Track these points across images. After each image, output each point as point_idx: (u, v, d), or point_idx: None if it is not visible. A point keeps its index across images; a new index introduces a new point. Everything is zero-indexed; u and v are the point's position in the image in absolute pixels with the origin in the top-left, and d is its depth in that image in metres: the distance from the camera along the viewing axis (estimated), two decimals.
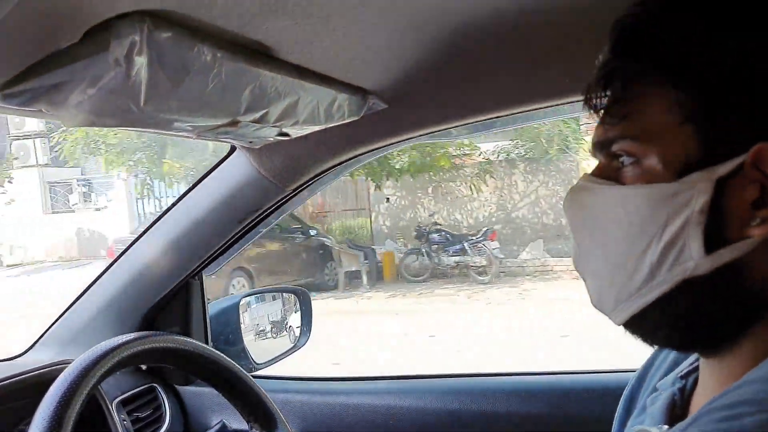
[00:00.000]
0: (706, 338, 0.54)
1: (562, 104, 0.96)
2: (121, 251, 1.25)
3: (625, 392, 0.72)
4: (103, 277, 1.26)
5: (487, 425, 1.21)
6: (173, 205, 1.21)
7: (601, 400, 1.15)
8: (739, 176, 0.49)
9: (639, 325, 0.55)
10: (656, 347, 0.60)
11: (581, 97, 0.92)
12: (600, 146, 0.57)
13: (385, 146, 1.08)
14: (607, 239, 0.55)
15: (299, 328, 1.53)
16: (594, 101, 0.57)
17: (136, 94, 0.64)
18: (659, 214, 0.51)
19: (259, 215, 1.20)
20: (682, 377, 0.61)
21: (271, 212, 1.21)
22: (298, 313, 1.54)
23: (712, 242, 0.50)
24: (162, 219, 1.22)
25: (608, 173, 0.55)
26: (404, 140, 1.07)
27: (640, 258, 0.52)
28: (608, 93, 0.56)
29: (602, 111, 0.56)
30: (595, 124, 0.58)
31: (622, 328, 0.56)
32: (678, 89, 0.51)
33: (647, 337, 0.56)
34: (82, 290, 1.27)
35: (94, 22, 0.57)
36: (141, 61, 0.60)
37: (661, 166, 0.51)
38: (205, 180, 1.18)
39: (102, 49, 0.59)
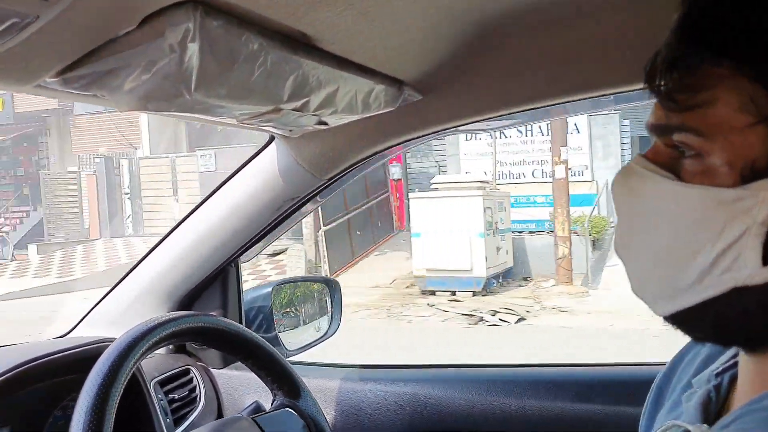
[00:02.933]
0: (751, 339, 0.52)
1: (596, 97, 0.96)
2: (163, 236, 1.29)
3: (654, 386, 0.71)
4: (146, 260, 1.30)
5: (512, 416, 1.22)
6: (213, 192, 1.25)
7: (627, 392, 1.16)
8: None
9: (681, 320, 0.53)
10: (695, 341, 0.58)
11: (615, 90, 0.95)
12: (659, 130, 0.53)
13: (419, 137, 1.10)
14: (656, 232, 0.52)
15: (330, 317, 1.56)
16: (658, 85, 0.52)
17: (187, 80, 0.67)
18: (717, 219, 0.48)
19: (295, 203, 1.23)
20: (717, 374, 0.60)
21: (307, 201, 1.24)
22: (329, 302, 1.57)
23: None
24: (203, 206, 1.26)
25: (665, 160, 0.52)
26: (438, 131, 1.09)
27: (690, 259, 0.50)
28: (674, 76, 0.51)
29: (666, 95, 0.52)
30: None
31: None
32: (756, 85, 0.46)
33: (689, 332, 0.55)
34: (125, 272, 1.32)
35: (151, 10, 0.60)
36: (194, 48, 0.63)
37: (726, 168, 0.48)
38: (244, 169, 1.22)
39: (157, 36, 0.62)
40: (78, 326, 1.33)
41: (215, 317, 1.02)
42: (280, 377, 1.08)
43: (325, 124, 0.94)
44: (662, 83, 0.51)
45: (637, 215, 0.54)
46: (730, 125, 0.47)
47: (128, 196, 16.47)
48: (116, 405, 0.80)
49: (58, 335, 1.29)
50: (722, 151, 0.48)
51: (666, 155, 0.53)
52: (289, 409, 1.07)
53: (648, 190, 0.53)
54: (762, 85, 0.46)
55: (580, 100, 0.98)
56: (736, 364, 0.58)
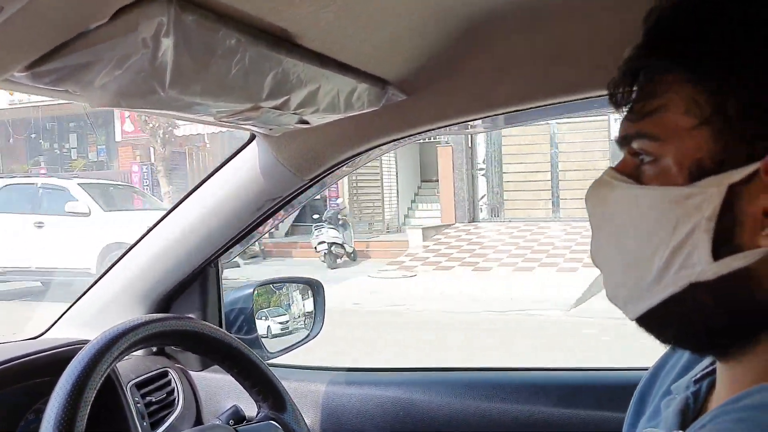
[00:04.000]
0: (714, 343, 0.53)
1: (584, 99, 0.95)
2: (140, 236, 1.27)
3: (636, 392, 0.72)
4: (122, 260, 1.28)
5: (496, 420, 1.21)
6: (193, 191, 1.23)
7: (610, 398, 1.15)
8: (753, 183, 0.48)
9: (649, 323, 0.55)
10: (668, 346, 0.59)
11: (603, 93, 0.93)
12: (622, 141, 0.56)
13: (403, 137, 1.08)
14: (621, 237, 0.55)
15: (313, 319, 1.54)
16: (618, 96, 0.56)
17: (161, 76, 0.65)
18: (669, 217, 0.51)
19: (277, 204, 1.21)
20: (696, 381, 0.61)
21: (288, 201, 1.22)
22: (313, 303, 1.55)
23: (720, 249, 0.49)
24: (182, 205, 1.23)
25: (629, 170, 0.55)
26: (422, 132, 1.07)
27: (649, 259, 0.52)
28: (634, 88, 0.55)
29: (626, 107, 0.56)
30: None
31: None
32: (698, 89, 0.50)
33: (658, 335, 0.56)
34: (101, 273, 1.29)
35: (123, 3, 0.58)
36: (167, 43, 0.61)
37: (676, 168, 0.51)
38: (224, 167, 1.19)
39: (130, 30, 0.60)
40: (52, 327, 1.30)
41: (195, 321, 1.00)
42: (266, 389, 1.05)
43: (307, 123, 0.92)
44: (624, 93, 0.56)
45: (606, 222, 0.57)
46: (678, 128, 0.51)
47: (483, 172, 13.42)
48: (88, 408, 0.78)
49: (31, 337, 1.26)
50: (672, 153, 0.51)
51: (631, 165, 0.55)
52: (273, 422, 1.04)
53: (613, 197, 0.56)
54: (703, 88, 0.49)
55: (567, 102, 0.96)
56: (714, 371, 0.59)
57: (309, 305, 1.56)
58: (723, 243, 0.49)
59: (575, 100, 0.95)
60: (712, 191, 0.49)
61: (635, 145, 0.54)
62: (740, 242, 0.49)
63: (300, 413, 1.08)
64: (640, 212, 0.53)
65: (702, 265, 0.50)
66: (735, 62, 0.48)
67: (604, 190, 0.57)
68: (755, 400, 0.46)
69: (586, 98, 0.94)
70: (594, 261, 0.59)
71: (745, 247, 0.49)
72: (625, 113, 0.56)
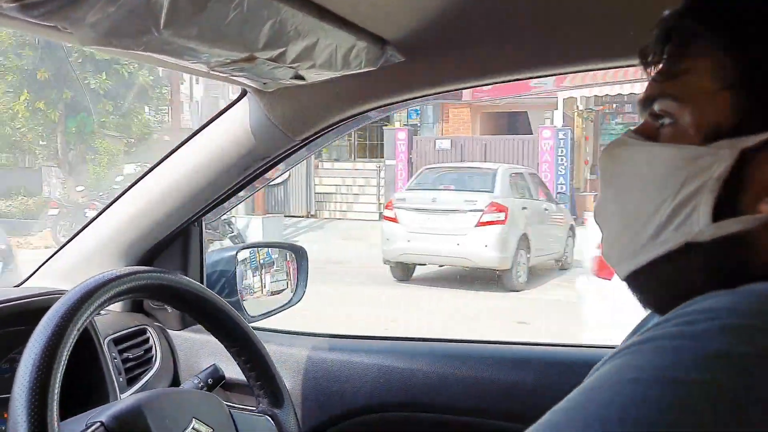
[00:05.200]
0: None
1: (586, 70, 0.94)
2: (125, 188, 1.24)
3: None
4: (105, 213, 1.25)
5: (475, 390, 1.21)
6: (179, 146, 1.20)
7: (587, 373, 1.16)
8: (765, 151, 0.48)
9: (638, 281, 0.56)
10: (647, 310, 0.60)
11: (606, 65, 0.92)
12: (643, 104, 0.56)
13: (399, 101, 1.06)
14: (627, 193, 0.55)
15: (295, 284, 1.53)
16: (650, 58, 0.56)
17: (156, 15, 0.63)
18: (678, 175, 0.51)
19: (265, 164, 1.19)
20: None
21: (277, 162, 1.20)
22: (295, 269, 1.54)
23: (722, 211, 0.50)
24: (167, 160, 1.21)
25: (648, 131, 0.56)
26: (418, 96, 1.05)
27: (651, 215, 0.53)
28: (662, 50, 0.55)
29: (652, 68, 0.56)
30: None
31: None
32: (727, 54, 0.50)
33: (642, 295, 0.57)
34: (84, 224, 1.27)
35: None
36: None
37: (693, 130, 0.51)
38: (213, 123, 1.17)
39: None
40: (30, 278, 1.27)
41: (187, 280, 0.97)
42: (268, 383, 1.04)
43: (302, 78, 0.90)
44: (653, 57, 0.56)
45: (615, 179, 0.57)
46: (700, 90, 0.51)
47: None
48: (65, 360, 0.76)
49: (12, 285, 1.24)
50: (691, 114, 0.51)
51: (650, 127, 0.56)
52: (269, 418, 1.03)
53: (626, 154, 0.56)
54: (732, 54, 0.50)
55: (568, 73, 0.95)
56: None
57: (292, 270, 1.55)
58: (726, 206, 0.50)
59: (576, 71, 0.94)
60: (724, 153, 0.49)
61: (657, 106, 0.54)
62: (742, 208, 0.49)
63: (295, 413, 1.06)
64: (650, 169, 0.53)
65: (700, 225, 0.50)
66: (762, 29, 0.49)
67: (619, 150, 0.57)
68: (689, 308, 0.46)
69: (589, 69, 0.93)
70: (596, 220, 0.60)
71: (746, 212, 0.49)
72: (650, 75, 0.56)
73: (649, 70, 0.57)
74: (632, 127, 0.58)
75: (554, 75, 0.97)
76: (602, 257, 0.59)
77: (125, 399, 0.83)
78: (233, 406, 0.99)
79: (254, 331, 1.06)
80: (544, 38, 0.94)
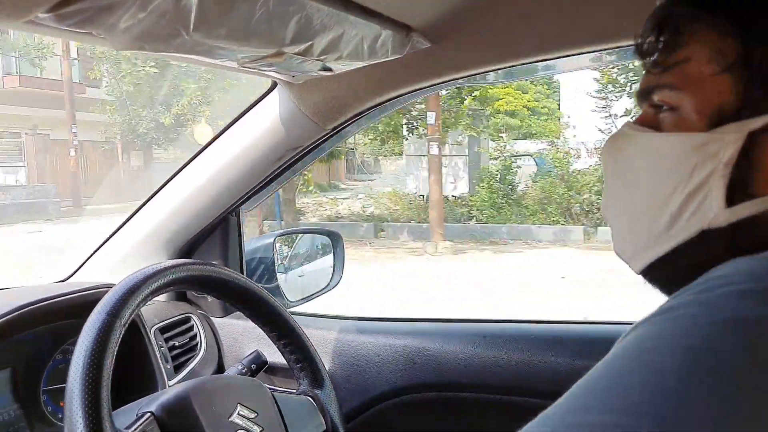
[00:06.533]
0: None
1: (613, 49, 0.93)
2: (163, 183, 1.27)
3: None
4: (146, 207, 1.29)
5: (510, 370, 1.22)
6: (214, 139, 1.23)
7: None
8: None
9: (656, 274, 0.55)
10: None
11: (633, 43, 0.91)
12: (642, 95, 0.56)
13: (427, 87, 1.06)
14: (634, 185, 0.55)
15: (333, 269, 1.55)
16: (645, 47, 0.55)
17: (185, 18, 0.64)
18: (687, 163, 0.50)
19: (297, 153, 1.21)
20: None
21: (309, 151, 1.22)
22: (332, 254, 1.56)
23: (734, 196, 0.49)
24: (203, 153, 1.24)
25: (648, 121, 0.55)
26: (446, 81, 1.05)
27: (662, 205, 0.52)
28: (661, 39, 0.54)
29: (652, 58, 0.55)
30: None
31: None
32: (723, 37, 0.50)
33: (663, 286, 0.56)
34: (125, 218, 1.31)
35: None
36: None
37: (696, 116, 0.51)
38: (245, 116, 1.19)
39: None
40: (78, 272, 1.32)
41: (227, 270, 1.00)
42: (308, 364, 1.07)
43: (330, 70, 0.91)
44: (650, 44, 0.55)
45: (621, 173, 0.57)
46: (700, 76, 0.51)
47: None
48: (116, 350, 0.79)
49: (59, 280, 1.29)
50: (693, 101, 0.51)
51: (650, 117, 0.55)
52: (310, 398, 1.06)
53: (630, 146, 0.55)
54: (728, 36, 0.49)
55: (597, 51, 0.94)
56: None
57: (329, 256, 1.58)
58: (737, 190, 0.49)
59: (606, 48, 0.93)
60: (730, 137, 0.49)
61: (656, 97, 0.54)
62: (754, 190, 0.49)
63: (334, 393, 1.09)
64: (657, 159, 0.53)
65: (714, 211, 0.50)
66: (763, 10, 0.49)
67: (621, 141, 0.57)
68: (707, 276, 0.46)
69: (618, 47, 0.92)
70: (604, 216, 0.59)
71: (760, 195, 0.49)
72: (647, 67, 0.55)
73: (644, 61, 0.56)
74: (630, 119, 0.58)
75: (584, 54, 0.96)
76: (615, 253, 0.58)
77: (172, 388, 0.86)
78: (275, 389, 1.02)
79: (293, 316, 1.09)
80: (572, 16, 0.93)
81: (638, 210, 0.54)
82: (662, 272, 0.55)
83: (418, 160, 13.11)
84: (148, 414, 0.80)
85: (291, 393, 1.06)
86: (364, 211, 13.12)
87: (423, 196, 12.58)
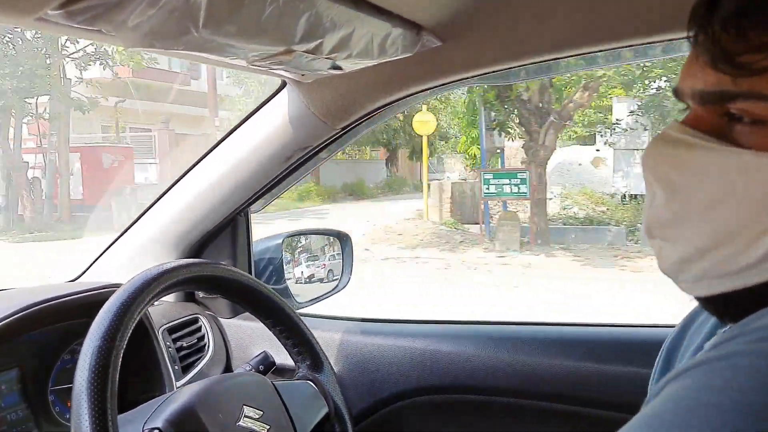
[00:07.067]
0: None
1: (626, 47, 0.92)
2: (172, 182, 1.27)
3: (663, 348, 0.69)
4: (155, 207, 1.29)
5: (520, 373, 1.21)
6: (223, 139, 1.22)
7: (637, 354, 1.15)
8: None
9: (720, 304, 0.50)
10: (725, 321, 0.53)
11: (645, 41, 0.90)
12: (709, 98, 0.47)
13: (437, 86, 1.06)
14: (710, 207, 0.47)
15: (341, 270, 1.54)
16: (713, 39, 0.46)
17: (195, 15, 0.64)
18: None
19: (307, 153, 1.20)
20: None
21: (319, 151, 1.21)
22: (341, 255, 1.55)
23: None
24: (212, 153, 1.23)
25: (710, 127, 0.48)
26: (457, 80, 1.04)
27: (755, 237, 0.45)
28: (737, 33, 0.45)
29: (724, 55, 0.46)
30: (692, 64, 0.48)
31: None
32: None
33: (721, 314, 0.51)
34: (134, 218, 1.31)
35: None
36: None
37: None
38: (254, 115, 1.18)
39: None
40: (87, 271, 1.32)
41: (239, 271, 1.00)
42: (306, 348, 1.07)
43: (340, 68, 0.91)
44: (719, 40, 0.46)
45: (684, 187, 0.48)
46: None
47: None
48: (123, 349, 0.79)
49: (68, 280, 1.29)
50: None
51: (711, 122, 0.48)
52: (310, 382, 1.06)
53: (703, 160, 0.47)
54: None
55: (609, 50, 0.93)
56: None
57: (337, 256, 1.57)
58: None
59: (616, 48, 0.92)
60: None
61: (737, 106, 0.46)
62: None
63: (335, 375, 1.09)
64: (747, 182, 0.45)
65: None
66: None
67: (681, 150, 0.49)
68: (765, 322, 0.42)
69: (628, 46, 0.91)
70: (650, 228, 0.52)
71: None
72: (712, 61, 0.46)
73: (708, 54, 0.47)
74: (683, 120, 0.50)
75: (595, 53, 0.95)
76: (663, 271, 0.52)
77: (177, 397, 0.85)
78: (276, 379, 1.02)
79: (302, 317, 1.09)
80: (583, 14, 0.92)
81: (717, 236, 0.47)
82: (729, 304, 0.49)
83: (630, 154, 12.01)
84: (156, 431, 0.80)
85: (291, 379, 1.06)
86: (565, 212, 11.90)
87: (635, 195, 11.66)
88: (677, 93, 0.51)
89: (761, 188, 0.45)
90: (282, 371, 1.27)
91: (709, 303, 0.51)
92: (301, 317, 1.08)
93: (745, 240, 0.46)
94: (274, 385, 1.00)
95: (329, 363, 1.09)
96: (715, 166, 0.47)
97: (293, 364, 1.09)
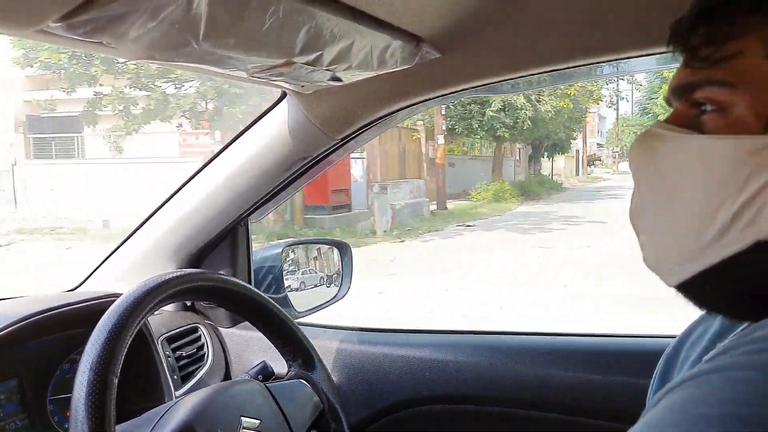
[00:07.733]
0: (760, 308, 0.49)
1: (623, 59, 0.92)
2: (172, 192, 1.27)
3: (662, 359, 0.70)
4: (154, 216, 1.29)
5: (520, 383, 1.21)
6: (223, 149, 1.23)
7: (636, 364, 1.15)
8: None
9: (695, 288, 0.51)
10: (709, 313, 0.55)
11: (644, 52, 0.90)
12: (679, 91, 0.51)
13: (436, 97, 1.06)
14: (676, 192, 0.50)
15: (341, 280, 1.54)
16: (685, 37, 0.51)
17: (195, 28, 0.64)
18: (742, 169, 0.46)
19: (306, 163, 1.21)
20: None
21: (319, 161, 1.21)
22: (340, 264, 1.56)
23: None
24: (212, 163, 1.24)
25: (685, 121, 0.51)
26: (457, 92, 1.05)
27: (712, 215, 0.48)
28: (701, 32, 0.50)
29: (690, 52, 0.51)
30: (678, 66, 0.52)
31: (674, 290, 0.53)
32: None
33: (704, 301, 0.52)
34: (134, 228, 1.31)
35: None
36: None
37: (752, 117, 0.47)
38: (255, 126, 1.19)
39: None
40: (87, 281, 1.32)
41: (229, 278, 1.01)
42: (296, 348, 1.07)
43: (339, 80, 0.91)
44: (688, 39, 0.50)
45: (657, 178, 0.52)
46: (756, 73, 0.47)
47: None
48: (122, 359, 0.79)
49: (68, 289, 1.29)
50: (748, 101, 0.47)
51: (686, 116, 0.51)
52: (303, 381, 1.06)
53: (670, 149, 0.51)
54: None
55: (606, 62, 0.93)
56: None
57: (337, 266, 1.57)
58: None
59: (613, 60, 0.93)
60: None
61: (700, 94, 0.49)
62: None
63: (328, 372, 1.09)
64: (705, 164, 0.48)
65: None
66: None
67: (656, 143, 0.52)
68: (756, 333, 0.43)
69: (626, 58, 0.91)
70: (634, 222, 0.55)
71: None
72: (685, 60, 0.51)
73: (683, 53, 0.51)
74: (661, 119, 0.54)
75: (593, 64, 0.95)
76: (645, 263, 0.54)
77: (174, 412, 0.85)
78: (269, 383, 1.02)
79: (301, 327, 1.09)
80: (582, 26, 0.93)
81: (681, 219, 0.50)
82: (706, 286, 0.51)
83: None
84: None
85: (284, 381, 1.06)
86: None
87: None
88: (667, 100, 0.55)
89: (719, 168, 0.47)
90: (281, 380, 1.26)
91: (684, 290, 0.52)
92: (303, 330, 1.08)
93: (705, 216, 0.48)
94: (268, 388, 1.00)
95: (321, 360, 1.09)
96: (681, 153, 0.50)
97: (293, 374, 1.09)
